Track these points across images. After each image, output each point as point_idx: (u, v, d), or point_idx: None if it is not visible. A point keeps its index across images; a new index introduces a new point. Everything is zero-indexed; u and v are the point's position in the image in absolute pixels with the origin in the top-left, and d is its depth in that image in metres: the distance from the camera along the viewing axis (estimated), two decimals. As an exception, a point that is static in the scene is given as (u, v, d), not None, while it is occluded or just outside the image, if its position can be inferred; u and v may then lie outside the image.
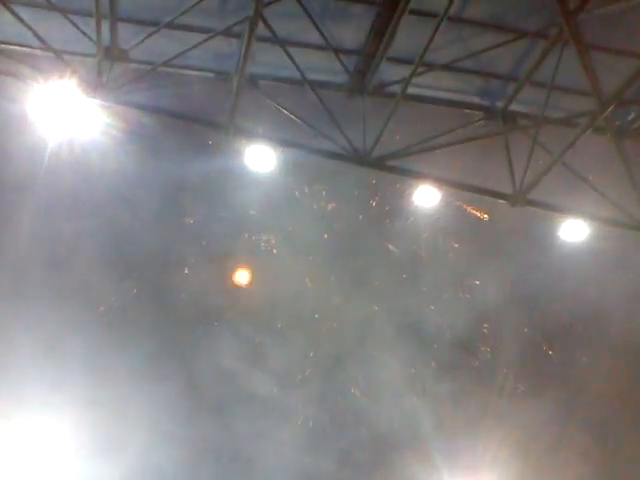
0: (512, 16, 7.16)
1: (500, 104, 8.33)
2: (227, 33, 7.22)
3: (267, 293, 14.85)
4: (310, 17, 7.06)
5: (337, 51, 7.56)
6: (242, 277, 15.05)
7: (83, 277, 13.33)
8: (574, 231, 8.51)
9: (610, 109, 6.85)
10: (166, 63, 7.24)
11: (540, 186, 8.16)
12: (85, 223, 13.14)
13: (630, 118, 8.27)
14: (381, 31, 7.23)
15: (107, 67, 7.18)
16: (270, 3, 6.59)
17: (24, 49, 7.31)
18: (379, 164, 8.14)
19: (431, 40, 6.91)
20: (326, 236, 14.81)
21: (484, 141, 8.39)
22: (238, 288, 14.92)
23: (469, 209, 13.15)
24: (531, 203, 8.30)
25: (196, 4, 6.78)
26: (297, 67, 7.39)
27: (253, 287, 14.96)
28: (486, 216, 13.32)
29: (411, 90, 7.77)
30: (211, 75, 7.91)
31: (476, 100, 8.38)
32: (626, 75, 6.91)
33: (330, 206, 14.67)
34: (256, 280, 15.08)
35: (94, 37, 6.86)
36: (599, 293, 12.84)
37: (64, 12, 6.83)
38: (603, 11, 6.55)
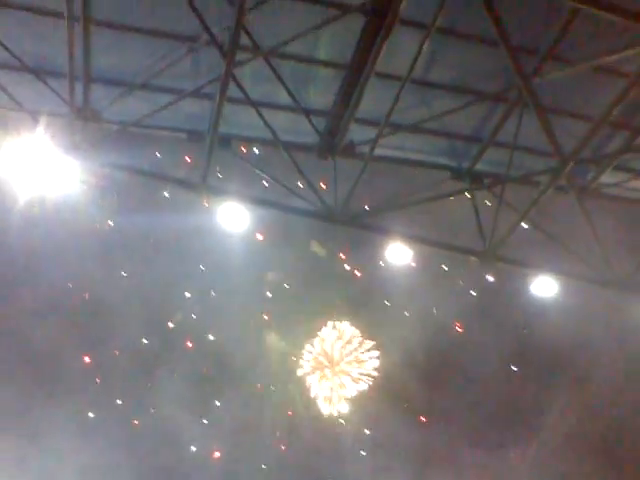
0: (473, 79, 7.48)
1: (466, 164, 8.55)
2: (199, 95, 7.40)
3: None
4: (280, 79, 7.29)
5: (307, 112, 7.77)
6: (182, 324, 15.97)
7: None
8: (544, 286, 8.59)
9: (570, 166, 7.09)
10: (138, 124, 7.37)
11: (511, 242, 8.31)
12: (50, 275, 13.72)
13: (589, 177, 8.55)
14: (349, 93, 7.46)
15: (80, 127, 7.27)
16: (241, 63, 6.78)
17: (-3, 108, 7.41)
18: (351, 222, 8.24)
19: (396, 102, 7.18)
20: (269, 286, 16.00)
21: (454, 199, 8.57)
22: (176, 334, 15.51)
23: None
24: (501, 259, 8.42)
25: (168, 66, 6.98)
26: (269, 128, 7.55)
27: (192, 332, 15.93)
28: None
29: (379, 151, 7.97)
30: (183, 136, 8.03)
31: (443, 160, 8.60)
32: (582, 136, 7.23)
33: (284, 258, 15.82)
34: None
35: (67, 97, 6.99)
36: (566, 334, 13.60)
37: (38, 73, 6.97)
38: (556, 76, 6.89)
